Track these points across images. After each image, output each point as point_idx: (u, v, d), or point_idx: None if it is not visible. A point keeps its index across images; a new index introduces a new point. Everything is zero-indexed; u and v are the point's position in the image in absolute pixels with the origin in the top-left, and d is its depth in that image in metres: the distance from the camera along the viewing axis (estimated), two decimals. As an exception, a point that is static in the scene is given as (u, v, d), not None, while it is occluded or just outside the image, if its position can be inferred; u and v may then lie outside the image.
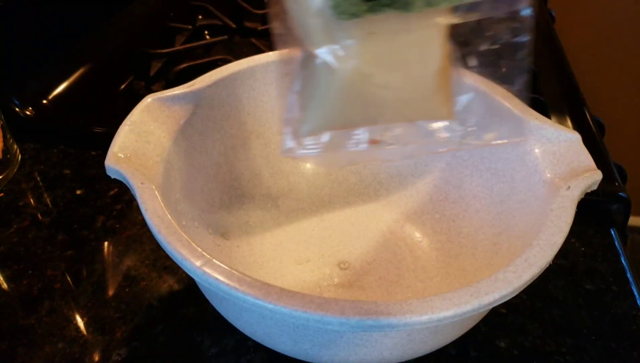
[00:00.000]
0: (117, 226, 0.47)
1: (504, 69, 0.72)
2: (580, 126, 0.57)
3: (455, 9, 0.27)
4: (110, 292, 0.41)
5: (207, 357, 0.37)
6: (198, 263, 0.27)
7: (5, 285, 0.42)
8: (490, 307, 0.27)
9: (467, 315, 0.26)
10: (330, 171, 0.48)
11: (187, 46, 0.70)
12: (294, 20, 0.27)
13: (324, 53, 0.25)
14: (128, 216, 0.48)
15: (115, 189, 0.51)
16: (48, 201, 0.50)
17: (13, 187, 0.51)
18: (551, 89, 0.64)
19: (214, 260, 0.27)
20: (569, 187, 0.32)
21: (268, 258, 0.42)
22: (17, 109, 0.56)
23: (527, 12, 0.29)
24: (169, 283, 0.41)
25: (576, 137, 0.36)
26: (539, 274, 0.28)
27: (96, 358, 0.37)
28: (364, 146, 0.29)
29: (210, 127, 0.42)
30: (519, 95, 0.40)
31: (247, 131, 0.46)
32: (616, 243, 0.46)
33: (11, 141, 0.52)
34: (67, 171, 0.53)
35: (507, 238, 0.36)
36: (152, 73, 0.66)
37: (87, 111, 0.58)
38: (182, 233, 0.29)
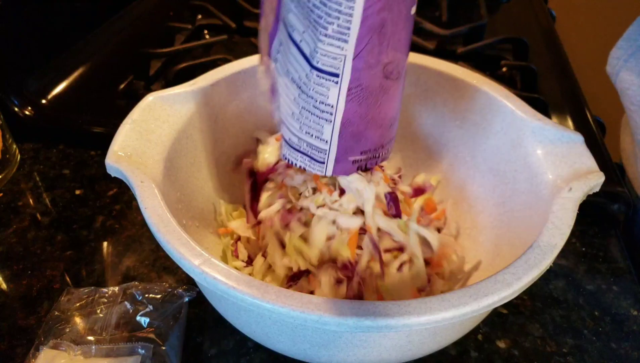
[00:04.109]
0: (117, 226, 0.47)
1: (504, 69, 0.71)
2: (581, 125, 0.57)
3: None
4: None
5: (206, 357, 0.37)
6: (197, 262, 0.27)
7: (4, 285, 0.42)
8: (490, 309, 0.27)
9: (466, 317, 0.26)
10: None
11: (187, 45, 0.70)
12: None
13: None
14: (127, 217, 0.48)
15: (115, 190, 0.50)
16: (47, 201, 0.49)
17: (12, 187, 0.51)
18: (552, 88, 0.64)
19: (212, 259, 0.27)
20: (571, 189, 0.32)
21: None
22: (16, 108, 0.56)
23: None
24: (168, 283, 0.41)
25: (579, 138, 0.35)
26: (539, 276, 0.28)
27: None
28: None
29: (212, 126, 0.42)
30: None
31: (248, 130, 0.46)
32: (617, 243, 0.46)
33: (10, 140, 0.52)
34: (67, 171, 0.53)
35: (508, 239, 0.36)
36: (151, 73, 0.66)
37: (87, 111, 0.58)
38: (182, 232, 0.29)
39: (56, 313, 0.37)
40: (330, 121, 0.27)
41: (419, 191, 0.44)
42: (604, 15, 1.05)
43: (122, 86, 0.63)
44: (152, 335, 0.35)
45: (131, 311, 0.37)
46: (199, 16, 0.80)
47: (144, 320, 0.36)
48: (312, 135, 0.28)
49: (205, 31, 0.78)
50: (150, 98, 0.38)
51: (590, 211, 0.45)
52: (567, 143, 0.36)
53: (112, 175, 0.33)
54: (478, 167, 0.42)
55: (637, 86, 0.44)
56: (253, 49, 0.72)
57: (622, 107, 0.50)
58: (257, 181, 0.41)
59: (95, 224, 0.47)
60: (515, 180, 0.38)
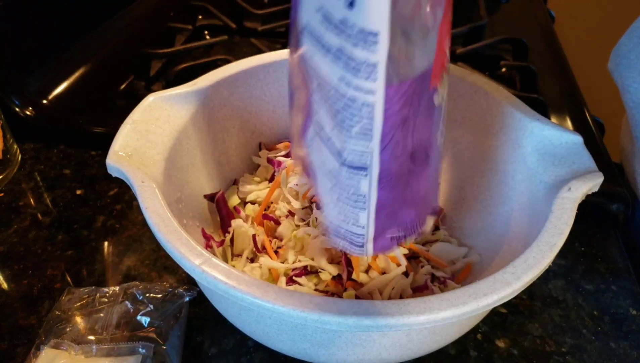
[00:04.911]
0: (117, 226, 0.47)
1: (504, 69, 0.72)
2: (580, 126, 0.57)
3: None
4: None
5: (207, 357, 0.37)
6: (197, 262, 0.27)
7: (5, 285, 0.42)
8: (489, 308, 0.27)
9: (465, 316, 0.26)
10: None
11: (187, 46, 0.70)
12: None
13: None
14: (128, 216, 0.48)
15: (115, 189, 0.51)
16: (48, 201, 0.50)
17: (13, 187, 0.51)
18: (551, 89, 0.64)
19: (212, 259, 0.27)
20: (570, 189, 0.32)
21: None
22: (17, 109, 0.56)
23: None
24: (169, 283, 0.41)
25: (578, 139, 0.35)
26: (538, 275, 0.28)
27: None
28: None
29: (212, 126, 0.42)
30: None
31: (249, 130, 0.46)
32: (616, 243, 0.46)
33: (11, 141, 0.52)
34: (67, 171, 0.53)
35: (508, 239, 0.36)
36: (152, 73, 0.66)
37: (87, 111, 0.58)
38: (182, 232, 0.29)
39: (57, 312, 0.37)
40: (365, 209, 0.28)
41: None
42: (604, 16, 1.05)
43: (122, 87, 0.63)
44: (152, 335, 0.35)
45: (132, 310, 0.37)
46: (200, 17, 0.80)
47: (144, 320, 0.36)
48: (348, 222, 0.29)
49: (206, 32, 0.78)
50: (150, 98, 0.38)
51: (589, 211, 0.45)
52: (566, 143, 0.36)
53: (113, 175, 0.33)
54: (478, 167, 0.42)
55: (639, 83, 0.44)
56: (253, 50, 0.72)
57: (621, 107, 0.50)
58: (225, 214, 0.42)
59: (96, 224, 0.47)
60: (514, 180, 0.38)
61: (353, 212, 0.28)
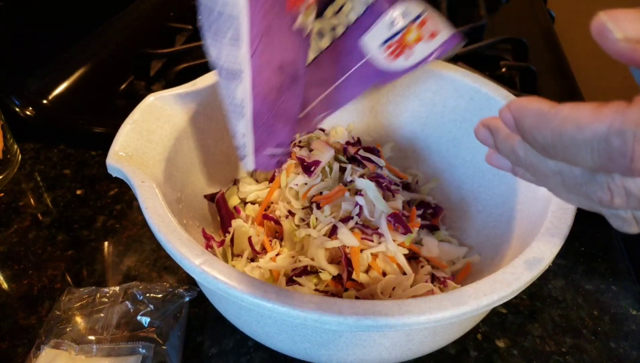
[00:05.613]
0: (117, 226, 0.47)
1: (504, 69, 0.71)
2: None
3: None
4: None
5: (207, 357, 0.37)
6: (197, 262, 0.27)
7: (5, 285, 0.42)
8: (489, 308, 0.27)
9: (465, 316, 0.26)
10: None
11: (187, 46, 0.70)
12: None
13: None
14: (128, 216, 0.48)
15: (116, 190, 0.51)
16: (48, 201, 0.50)
17: (13, 187, 0.51)
18: (551, 89, 0.64)
19: (213, 259, 0.27)
20: (569, 187, 0.32)
21: (268, 258, 0.42)
22: (17, 109, 0.56)
23: None
24: (169, 283, 0.41)
25: None
26: (538, 275, 0.28)
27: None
28: None
29: (212, 126, 0.42)
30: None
31: (247, 131, 0.46)
32: (616, 243, 0.46)
33: (11, 141, 0.52)
34: (67, 171, 0.53)
35: (508, 239, 0.36)
36: (152, 73, 0.66)
37: (87, 111, 0.58)
38: (182, 232, 0.29)
39: (57, 312, 0.37)
40: (243, 116, 0.30)
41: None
42: (604, 16, 1.05)
43: (122, 87, 0.63)
44: (153, 335, 0.36)
45: (132, 310, 0.37)
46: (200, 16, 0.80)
47: (144, 320, 0.37)
48: (235, 134, 0.31)
49: (206, 31, 0.78)
50: (151, 98, 0.38)
51: (589, 211, 0.45)
52: (566, 143, 0.36)
53: (113, 175, 0.33)
54: (478, 167, 0.42)
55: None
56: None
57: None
58: (225, 214, 0.42)
59: (96, 224, 0.47)
60: (514, 180, 0.38)
61: (235, 120, 0.30)
